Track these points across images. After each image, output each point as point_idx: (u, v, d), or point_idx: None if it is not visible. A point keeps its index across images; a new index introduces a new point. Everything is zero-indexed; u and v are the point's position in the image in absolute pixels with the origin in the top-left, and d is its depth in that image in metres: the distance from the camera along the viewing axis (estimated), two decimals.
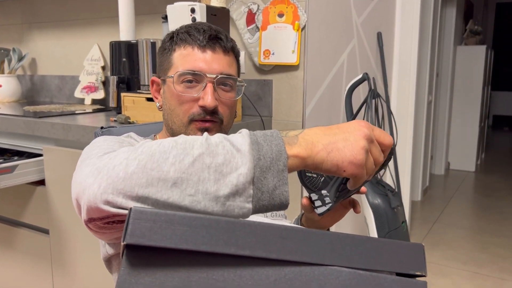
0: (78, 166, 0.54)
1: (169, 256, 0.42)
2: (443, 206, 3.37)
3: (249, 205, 0.48)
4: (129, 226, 0.40)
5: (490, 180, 4.12)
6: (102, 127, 0.92)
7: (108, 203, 0.46)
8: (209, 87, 0.77)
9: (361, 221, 2.22)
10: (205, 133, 0.51)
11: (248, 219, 0.46)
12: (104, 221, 0.49)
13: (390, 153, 0.62)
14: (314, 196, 0.70)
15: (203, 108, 0.78)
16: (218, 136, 0.50)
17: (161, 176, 0.46)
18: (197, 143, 0.48)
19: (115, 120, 1.45)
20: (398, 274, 0.51)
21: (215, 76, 0.78)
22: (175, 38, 0.81)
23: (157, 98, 0.87)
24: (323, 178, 0.70)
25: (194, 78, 0.78)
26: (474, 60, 4.28)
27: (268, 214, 0.86)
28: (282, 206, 0.50)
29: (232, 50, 0.82)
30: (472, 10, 4.83)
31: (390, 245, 0.51)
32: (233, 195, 0.46)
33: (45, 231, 1.52)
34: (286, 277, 0.44)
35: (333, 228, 1.71)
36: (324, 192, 0.67)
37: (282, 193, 0.49)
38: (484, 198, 3.56)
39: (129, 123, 1.38)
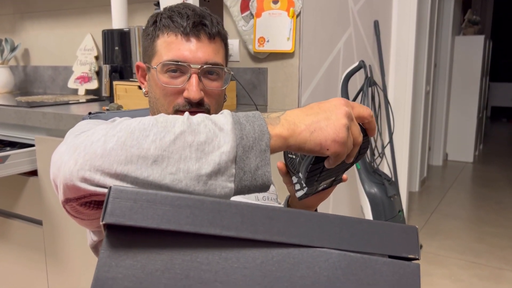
0: (58, 147, 0.52)
1: (151, 237, 0.40)
2: (441, 196, 3.36)
3: (231, 185, 0.46)
4: (109, 205, 0.38)
5: (488, 171, 4.12)
6: (90, 113, 0.90)
7: (85, 180, 0.44)
8: (194, 77, 0.74)
9: (358, 210, 2.21)
10: (186, 113, 0.50)
11: (238, 201, 0.45)
12: (81, 202, 0.47)
13: (366, 140, 0.59)
14: (294, 179, 0.68)
15: (188, 100, 0.75)
16: (200, 116, 0.49)
17: (141, 153, 0.44)
18: (179, 122, 0.47)
19: (107, 109, 1.43)
20: (390, 257, 0.49)
21: (199, 66, 0.75)
22: (158, 23, 0.77)
23: (143, 84, 0.85)
24: (297, 159, 0.66)
25: (178, 68, 0.75)
26: (472, 50, 4.26)
27: (260, 197, 0.84)
28: (264, 186, 0.49)
29: (218, 35, 0.78)
30: (470, 0, 4.79)
31: (382, 227, 0.49)
32: (215, 174, 0.45)
33: (38, 222, 1.51)
34: (274, 259, 0.42)
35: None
36: (300, 175, 0.64)
37: (264, 174, 0.48)
38: (482, 189, 3.55)
39: None
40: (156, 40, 0.77)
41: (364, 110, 0.53)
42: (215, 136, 0.46)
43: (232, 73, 0.84)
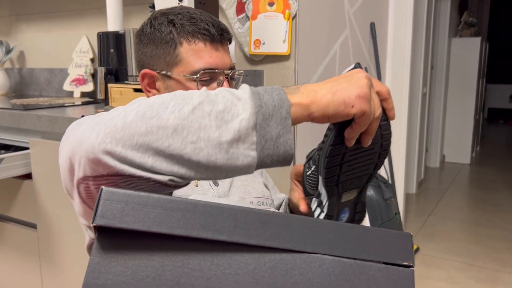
0: (66, 135, 0.52)
1: (142, 242, 0.39)
2: (438, 198, 3.36)
3: (254, 153, 0.46)
4: (100, 207, 0.38)
5: (485, 173, 4.12)
6: (83, 116, 0.89)
7: (107, 152, 0.44)
8: (226, 83, 0.77)
9: None
10: (204, 87, 0.50)
11: (232, 204, 0.44)
12: (97, 182, 0.46)
13: (387, 124, 0.57)
14: (313, 204, 0.64)
15: None
16: (218, 88, 0.49)
17: (161, 123, 0.44)
18: (196, 94, 0.47)
19: (83, 116, 1.42)
20: (384, 264, 0.49)
21: (230, 72, 0.78)
22: (180, 30, 0.75)
23: (150, 92, 0.81)
24: (314, 167, 0.63)
25: (211, 75, 0.77)
26: (469, 52, 4.27)
27: (255, 202, 0.84)
28: (286, 155, 0.48)
29: (231, 41, 0.82)
30: (467, 2, 4.81)
31: (376, 234, 0.48)
32: (236, 141, 0.45)
33: (33, 226, 1.50)
34: (266, 265, 0.42)
35: None
36: (320, 179, 0.60)
37: (287, 141, 0.47)
38: (479, 191, 3.56)
39: None
40: (178, 47, 0.75)
41: (383, 87, 0.52)
42: (233, 105, 0.46)
43: (247, 75, 0.87)
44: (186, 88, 0.76)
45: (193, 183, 0.77)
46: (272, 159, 0.47)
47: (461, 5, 4.53)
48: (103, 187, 0.39)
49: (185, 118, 0.44)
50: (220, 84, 0.77)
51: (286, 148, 0.48)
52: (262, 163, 0.47)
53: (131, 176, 0.45)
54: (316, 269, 0.43)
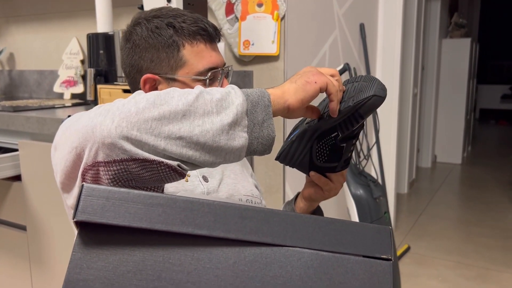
0: (63, 129, 0.55)
1: (123, 237, 0.40)
2: (429, 198, 3.39)
3: (246, 135, 0.54)
4: (80, 203, 0.38)
5: (476, 172, 4.16)
6: (69, 115, 0.89)
7: (124, 137, 0.46)
8: (225, 80, 0.81)
9: (344, 212, 2.22)
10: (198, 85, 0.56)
11: (212, 200, 0.45)
12: (108, 169, 0.48)
13: (362, 124, 0.65)
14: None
15: None
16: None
17: (172, 109, 0.49)
18: (193, 89, 0.54)
19: (69, 116, 1.42)
20: (363, 257, 0.49)
21: (227, 68, 0.82)
22: (180, 32, 0.76)
23: None
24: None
25: (214, 74, 0.79)
26: (459, 53, 4.31)
27: (244, 200, 0.84)
28: (269, 137, 0.56)
29: None
30: (457, 3, 4.86)
31: (355, 227, 0.49)
32: (234, 124, 0.52)
33: (22, 228, 1.49)
34: (246, 259, 0.42)
35: None
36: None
37: (269, 126, 0.56)
38: (470, 190, 3.59)
39: None
40: (181, 50, 0.76)
41: (329, 69, 0.65)
42: (227, 94, 0.54)
43: (232, 69, 0.90)
44: (191, 88, 0.79)
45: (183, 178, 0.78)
46: (258, 141, 0.55)
47: (451, 7, 4.57)
48: (83, 183, 0.39)
49: (191, 104, 0.50)
50: (221, 81, 0.80)
51: (269, 131, 0.56)
52: (251, 145, 0.55)
53: (144, 161, 0.48)
54: (295, 262, 0.44)
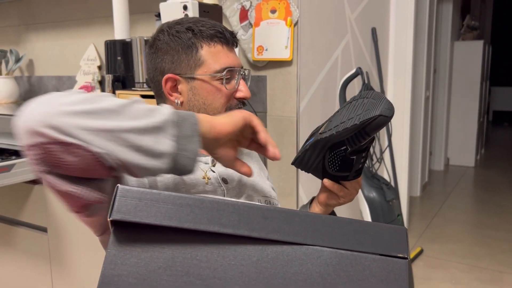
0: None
1: (154, 236, 0.43)
2: (443, 201, 3.37)
3: (173, 143, 0.56)
4: (116, 203, 0.41)
5: (489, 175, 4.13)
6: None
7: (49, 125, 0.49)
8: (243, 81, 0.85)
9: (357, 214, 2.23)
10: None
11: (236, 200, 0.47)
12: (34, 153, 0.51)
13: (372, 139, 0.65)
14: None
15: (243, 99, 0.85)
16: None
17: (103, 106, 0.53)
18: (129, 99, 0.58)
19: None
20: (380, 256, 0.51)
21: (245, 70, 0.86)
22: (199, 35, 0.81)
23: (172, 96, 0.86)
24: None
25: (231, 74, 0.83)
26: (472, 55, 4.29)
27: (262, 201, 0.87)
28: (195, 153, 0.59)
29: None
30: (469, 5, 4.83)
31: (372, 228, 0.51)
32: (161, 129, 0.55)
33: (43, 229, 1.54)
34: (269, 257, 0.45)
35: None
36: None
37: (196, 142, 0.59)
38: (483, 193, 3.56)
39: None
40: (199, 51, 0.81)
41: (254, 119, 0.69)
42: (158, 107, 0.58)
43: (250, 74, 0.93)
44: (211, 86, 0.83)
45: (203, 181, 0.81)
46: (184, 154, 0.57)
47: (463, 9, 4.55)
48: (118, 185, 0.42)
49: (122, 106, 0.54)
50: (238, 82, 0.84)
51: (196, 147, 0.58)
52: (177, 157, 0.57)
53: (66, 144, 0.51)
54: (315, 260, 0.46)
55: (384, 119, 0.62)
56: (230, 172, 0.86)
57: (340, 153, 0.70)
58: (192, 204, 0.43)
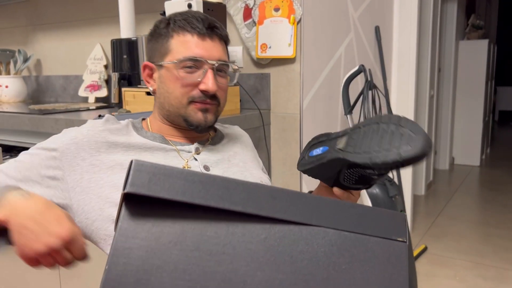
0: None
1: (165, 212, 0.44)
2: (447, 199, 3.37)
3: None
4: (130, 177, 0.43)
5: (495, 174, 4.12)
6: (99, 115, 0.95)
7: None
8: (210, 72, 0.81)
9: None
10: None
11: (246, 181, 0.49)
12: None
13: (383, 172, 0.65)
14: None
15: (205, 92, 0.82)
16: None
17: None
18: None
19: (100, 116, 1.48)
20: (381, 238, 0.53)
21: (215, 62, 0.82)
22: (172, 25, 0.83)
23: (149, 83, 0.89)
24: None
25: (195, 64, 0.82)
26: (477, 54, 4.29)
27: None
28: None
29: (226, 39, 0.87)
30: (474, 4, 4.83)
31: (374, 212, 0.53)
32: None
33: None
34: (276, 235, 0.47)
35: None
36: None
37: None
38: (488, 192, 3.56)
39: None
40: (170, 40, 0.83)
41: (71, 231, 0.63)
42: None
43: (240, 70, 0.91)
44: (174, 75, 0.82)
45: (183, 165, 0.83)
46: None
47: (468, 8, 4.55)
48: (133, 159, 0.44)
49: None
50: (204, 74, 0.81)
51: None
52: None
53: None
54: (320, 240, 0.48)
55: (425, 157, 0.59)
56: (215, 160, 0.87)
57: (361, 172, 0.67)
58: (204, 181, 0.44)
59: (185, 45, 0.81)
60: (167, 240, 0.43)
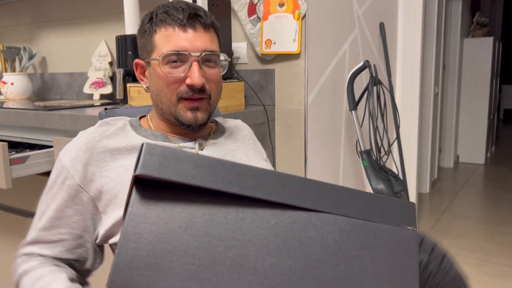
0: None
1: (174, 197, 0.44)
2: (452, 197, 3.36)
3: None
4: (141, 159, 0.42)
5: (499, 172, 4.10)
6: (106, 108, 0.95)
7: None
8: (195, 65, 0.78)
9: None
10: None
11: (255, 167, 0.49)
12: None
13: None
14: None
15: (191, 86, 0.78)
16: None
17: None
18: None
19: (105, 108, 1.48)
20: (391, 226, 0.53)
21: (199, 54, 0.78)
22: (154, 19, 0.80)
23: (142, 80, 0.87)
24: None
25: (179, 58, 0.78)
26: (482, 52, 4.27)
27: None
28: None
29: (212, 26, 0.82)
30: (479, 2, 4.81)
31: (383, 200, 0.53)
32: None
33: None
34: (286, 221, 0.46)
35: None
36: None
37: None
38: (493, 190, 3.54)
39: None
40: (153, 35, 0.80)
41: None
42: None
43: (229, 59, 0.87)
44: (160, 71, 0.79)
45: None
46: None
47: (473, 5, 4.53)
48: (144, 142, 0.44)
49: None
50: (189, 67, 0.78)
51: None
52: None
53: None
54: (330, 226, 0.48)
55: None
56: (220, 155, 0.86)
57: None
58: (214, 166, 0.44)
59: (167, 39, 0.78)
60: (177, 225, 0.42)
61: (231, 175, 0.44)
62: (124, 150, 0.79)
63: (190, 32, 0.78)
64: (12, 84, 2.18)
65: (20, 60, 2.22)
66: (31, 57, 2.22)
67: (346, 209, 0.50)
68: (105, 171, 0.77)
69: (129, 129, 0.84)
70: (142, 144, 0.43)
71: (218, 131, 0.92)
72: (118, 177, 0.76)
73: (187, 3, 0.81)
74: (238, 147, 0.91)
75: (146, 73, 0.85)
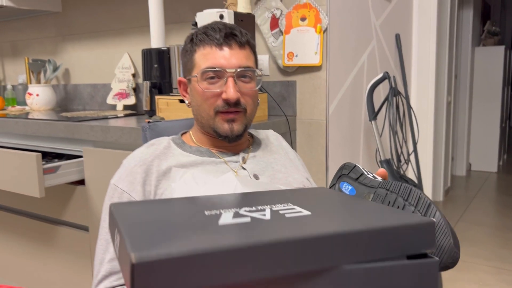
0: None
1: None
2: (466, 205, 3.36)
3: None
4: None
5: None
6: (149, 122, 1.00)
7: None
8: (230, 81, 0.83)
9: None
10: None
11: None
12: None
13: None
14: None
15: (226, 100, 0.84)
16: None
17: None
18: None
19: (149, 122, 1.54)
20: (409, 258, 0.51)
21: (234, 70, 0.84)
22: (195, 40, 0.87)
23: (185, 97, 0.94)
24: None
25: (216, 74, 0.84)
26: (493, 60, 4.28)
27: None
28: None
29: (247, 44, 0.88)
30: (489, 11, 4.83)
31: (400, 230, 0.50)
32: None
33: (85, 228, 1.62)
34: None
35: None
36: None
37: None
38: (507, 197, 3.54)
39: None
40: (194, 54, 0.87)
41: None
42: None
43: (263, 74, 0.93)
44: (199, 88, 0.86)
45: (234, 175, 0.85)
46: None
47: (483, 15, 4.56)
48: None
49: None
50: (225, 82, 0.83)
51: None
52: None
53: None
54: (346, 281, 0.46)
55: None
56: (261, 167, 0.90)
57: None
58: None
59: (205, 57, 0.84)
60: None
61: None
62: (175, 167, 0.84)
63: (226, 50, 0.84)
64: (37, 95, 2.25)
65: (45, 72, 2.30)
66: (55, 69, 2.29)
67: (363, 254, 0.47)
68: (159, 189, 0.81)
69: (174, 147, 0.89)
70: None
71: (255, 144, 0.97)
72: (176, 188, 0.80)
73: (224, 24, 0.87)
74: (275, 159, 0.95)
75: (188, 89, 0.92)
